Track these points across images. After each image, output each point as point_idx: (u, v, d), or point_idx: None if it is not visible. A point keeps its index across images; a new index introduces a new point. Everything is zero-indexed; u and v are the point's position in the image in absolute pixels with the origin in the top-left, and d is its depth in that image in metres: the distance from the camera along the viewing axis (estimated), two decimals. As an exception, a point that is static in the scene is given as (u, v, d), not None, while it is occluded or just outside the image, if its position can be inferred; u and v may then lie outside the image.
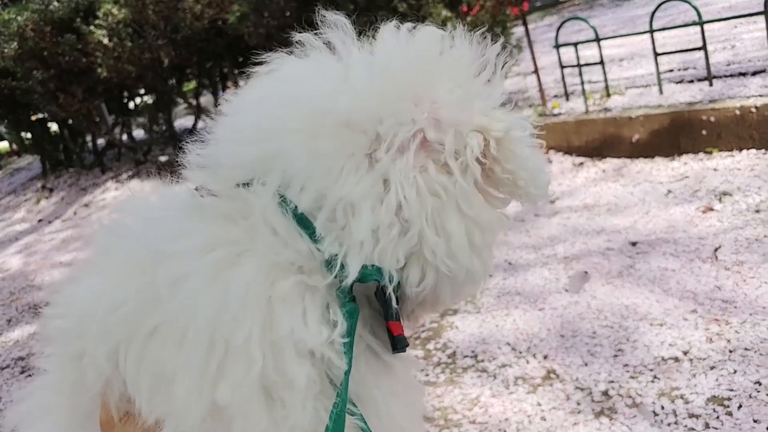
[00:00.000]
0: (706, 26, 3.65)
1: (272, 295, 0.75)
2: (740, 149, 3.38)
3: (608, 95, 4.18)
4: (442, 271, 0.81)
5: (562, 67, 4.34)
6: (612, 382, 2.00)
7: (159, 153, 7.12)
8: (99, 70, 6.04)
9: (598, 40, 4.02)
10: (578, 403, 1.95)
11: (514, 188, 0.85)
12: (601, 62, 4.08)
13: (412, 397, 0.91)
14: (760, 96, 3.40)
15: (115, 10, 5.90)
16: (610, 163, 3.79)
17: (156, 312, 0.74)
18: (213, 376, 0.72)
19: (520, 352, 2.26)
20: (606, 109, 4.01)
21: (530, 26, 5.10)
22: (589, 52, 4.52)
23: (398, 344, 0.82)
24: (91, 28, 6.05)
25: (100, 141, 8.23)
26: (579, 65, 4.12)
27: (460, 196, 0.81)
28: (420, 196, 0.79)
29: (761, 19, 3.45)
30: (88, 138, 8.34)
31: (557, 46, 4.26)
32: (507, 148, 0.82)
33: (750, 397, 1.79)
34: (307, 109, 0.81)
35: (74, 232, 5.58)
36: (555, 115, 4.22)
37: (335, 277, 0.78)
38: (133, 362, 0.75)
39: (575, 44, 4.16)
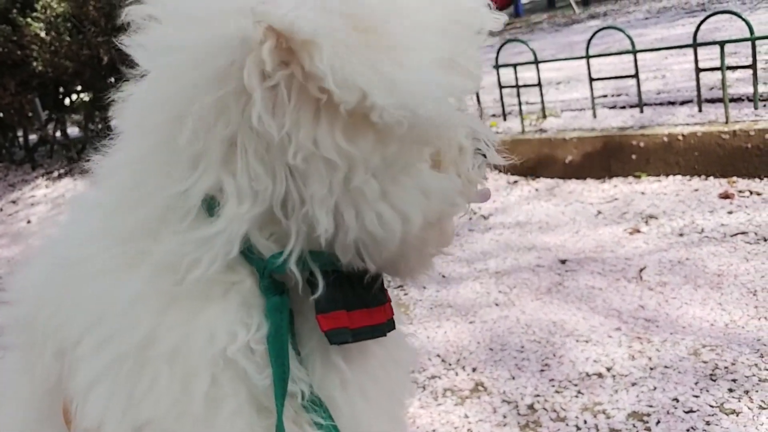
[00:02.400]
0: (639, 55, 3.80)
1: (173, 297, 0.69)
2: (667, 175, 3.52)
3: (544, 117, 4.29)
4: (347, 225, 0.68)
5: (501, 87, 4.44)
6: (538, 395, 2.05)
7: (94, 152, 6.97)
8: (34, 63, 5.89)
9: (536, 62, 4.12)
10: (504, 416, 1.99)
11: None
12: (539, 84, 4.19)
13: (395, 381, 0.84)
14: (687, 125, 3.55)
15: (54, 4, 5.76)
16: (544, 183, 3.89)
17: (76, 319, 0.71)
18: (129, 390, 0.68)
19: (450, 364, 2.30)
20: (542, 130, 4.12)
21: (472, 45, 5.20)
22: (527, 74, 4.63)
23: (331, 339, 0.72)
24: (28, 20, 5.89)
25: (32, 137, 7.99)
26: (517, 86, 4.21)
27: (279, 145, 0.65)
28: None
29: (690, 51, 3.60)
30: (20, 133, 8.09)
31: (497, 67, 4.35)
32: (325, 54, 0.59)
33: (668, 413, 1.87)
34: None
35: (0, 229, 5.40)
36: (493, 134, 4.30)
37: (256, 267, 0.70)
38: (69, 366, 0.71)
39: (514, 66, 4.26)
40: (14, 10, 6.12)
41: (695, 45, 3.54)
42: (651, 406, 1.91)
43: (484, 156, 0.80)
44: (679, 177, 3.48)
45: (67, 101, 7.56)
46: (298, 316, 0.74)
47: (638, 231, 3.02)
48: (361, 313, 0.74)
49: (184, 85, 0.67)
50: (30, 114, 6.86)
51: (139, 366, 0.67)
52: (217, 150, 0.67)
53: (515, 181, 3.99)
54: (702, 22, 3.48)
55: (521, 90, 4.24)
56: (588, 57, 3.95)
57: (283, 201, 0.68)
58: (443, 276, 2.97)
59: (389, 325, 0.77)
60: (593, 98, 4.05)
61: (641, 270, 2.66)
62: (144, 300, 0.68)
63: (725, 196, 3.16)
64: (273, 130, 0.63)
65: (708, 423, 1.80)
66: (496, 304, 2.63)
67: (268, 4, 0.59)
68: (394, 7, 0.63)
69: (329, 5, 0.60)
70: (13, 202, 6.15)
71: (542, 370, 2.16)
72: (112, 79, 6.65)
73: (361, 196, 0.66)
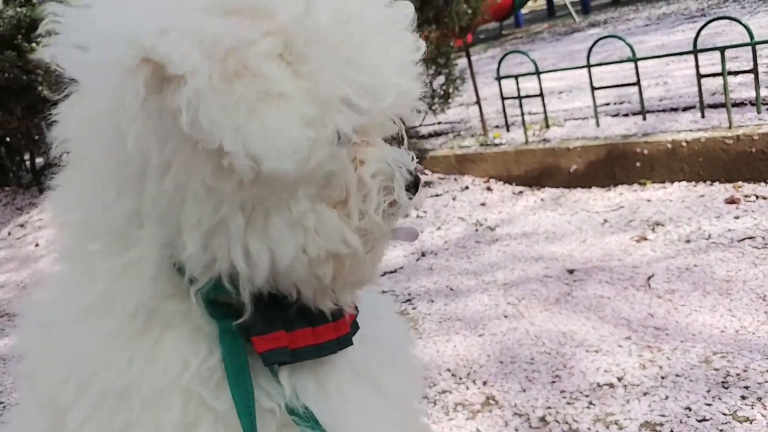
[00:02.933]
0: (640, 63, 3.80)
1: (133, 332, 0.70)
2: (672, 181, 3.52)
3: (547, 126, 4.30)
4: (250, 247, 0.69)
5: (503, 98, 4.45)
6: (549, 407, 2.05)
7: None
8: (40, 88, 5.92)
9: (538, 73, 4.14)
10: (516, 429, 1.99)
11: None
12: (541, 94, 4.20)
13: (398, 386, 0.84)
14: (690, 131, 3.55)
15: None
16: (549, 193, 3.89)
17: (55, 372, 0.73)
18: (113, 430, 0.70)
19: (460, 378, 2.29)
20: (545, 140, 4.12)
21: (473, 58, 5.23)
22: (529, 85, 4.64)
23: (265, 360, 0.73)
24: (33, 45, 5.94)
25: (39, 160, 8.03)
26: (519, 97, 4.23)
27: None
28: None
29: (691, 57, 3.61)
30: (27, 156, 8.13)
31: (499, 78, 4.37)
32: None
33: (681, 422, 1.86)
34: None
35: (8, 253, 5.42)
36: (496, 145, 4.31)
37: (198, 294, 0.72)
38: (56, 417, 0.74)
39: (516, 77, 4.27)
40: (19, 36, 6.16)
41: (696, 51, 3.55)
42: (663, 416, 1.90)
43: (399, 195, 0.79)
44: (684, 183, 3.48)
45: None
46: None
47: (645, 239, 3.02)
48: (304, 333, 0.75)
49: (106, 106, 0.68)
50: (37, 137, 6.89)
51: (118, 403, 0.69)
52: (137, 169, 0.68)
53: (520, 192, 4.00)
54: (702, 28, 3.49)
55: (523, 101, 4.25)
56: (589, 66, 3.96)
57: (180, 226, 0.69)
58: (451, 289, 2.97)
59: (341, 343, 0.78)
60: (596, 107, 4.06)
61: (649, 278, 2.66)
62: (111, 341, 0.70)
63: (731, 201, 3.16)
64: (153, 153, 0.64)
65: (721, 431, 1.79)
66: (505, 316, 2.62)
67: (152, 35, 0.60)
68: (269, 57, 0.64)
69: (208, 47, 0.60)
70: (21, 225, 6.17)
71: (553, 382, 2.15)
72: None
73: (227, 229, 0.68)
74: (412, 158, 0.82)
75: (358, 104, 0.68)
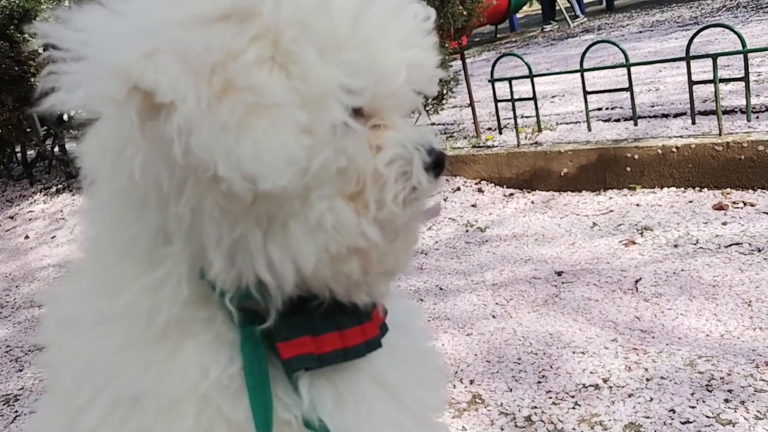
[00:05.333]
0: (632, 69, 3.82)
1: (153, 340, 0.70)
2: (661, 187, 3.55)
3: (539, 130, 4.32)
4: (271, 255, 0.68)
5: (497, 101, 4.46)
6: (535, 407, 2.06)
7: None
8: (32, 79, 5.91)
9: (531, 76, 4.15)
10: (502, 428, 2.00)
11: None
12: (534, 98, 4.22)
13: (414, 393, 0.81)
14: (681, 137, 3.58)
15: (52, 20, 5.79)
16: (539, 195, 3.91)
17: (72, 373, 0.73)
18: None
19: (447, 377, 2.31)
20: (537, 143, 4.14)
21: (468, 60, 5.24)
22: (522, 88, 4.66)
23: (291, 367, 0.71)
24: (26, 36, 5.92)
25: (30, 152, 8.00)
26: (512, 100, 4.24)
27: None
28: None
29: (683, 64, 3.63)
30: (17, 149, 8.10)
31: (492, 81, 4.38)
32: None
33: (664, 424, 1.88)
34: None
35: (-2, 245, 5.40)
36: (488, 147, 4.33)
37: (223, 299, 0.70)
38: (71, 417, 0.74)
39: (509, 79, 4.29)
40: (11, 27, 6.14)
41: (688, 58, 3.57)
42: (648, 417, 1.92)
43: (427, 171, 0.76)
44: (673, 189, 3.50)
45: (65, 117, 7.58)
46: None
47: (633, 243, 3.04)
48: (331, 337, 0.73)
49: (117, 134, 0.68)
50: (28, 129, 6.87)
51: (130, 410, 0.68)
52: (154, 193, 0.68)
53: (511, 194, 4.01)
54: (695, 35, 3.52)
55: (516, 103, 4.27)
56: (582, 70, 3.98)
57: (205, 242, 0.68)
58: (440, 288, 2.98)
59: (370, 346, 0.75)
60: (588, 111, 4.08)
61: (637, 281, 2.68)
62: (128, 348, 0.69)
63: (719, 207, 3.18)
64: (164, 180, 0.64)
65: (704, 433, 1.82)
66: (493, 316, 2.64)
67: (138, 63, 0.59)
68: (259, 65, 0.62)
69: (194, 67, 0.59)
70: (11, 217, 6.15)
71: (539, 382, 2.17)
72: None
73: (247, 244, 0.67)
74: (435, 134, 0.78)
75: (352, 87, 0.66)
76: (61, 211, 5.86)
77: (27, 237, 5.41)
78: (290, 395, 0.72)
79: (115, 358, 0.69)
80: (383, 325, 0.81)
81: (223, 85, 0.59)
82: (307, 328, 0.72)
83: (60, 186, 6.63)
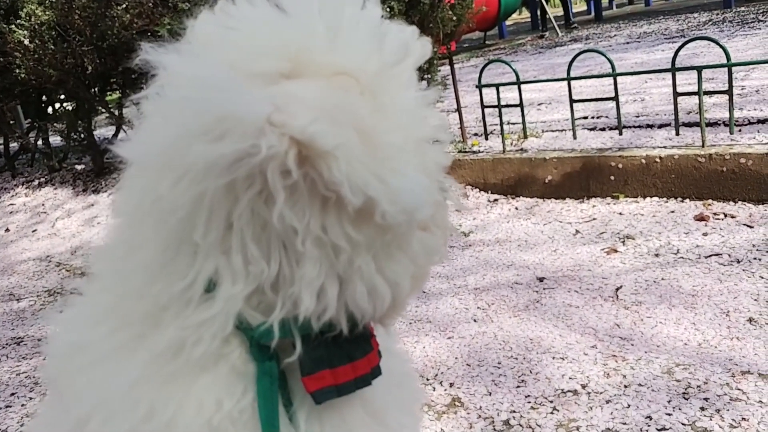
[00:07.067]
0: (619, 79, 3.86)
1: (171, 374, 0.71)
2: (644, 196, 3.58)
3: (525, 137, 4.34)
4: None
5: (484, 107, 4.49)
6: (514, 411, 2.07)
7: (76, 161, 6.93)
8: (17, 71, 5.86)
9: (519, 83, 4.18)
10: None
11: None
12: (521, 105, 4.24)
13: (397, 417, 0.84)
14: (664, 147, 3.61)
15: (39, 11, 5.75)
16: (523, 202, 3.93)
17: (85, 400, 0.74)
18: None
19: (428, 380, 2.31)
20: (522, 150, 4.17)
21: (456, 66, 5.26)
22: (510, 95, 4.69)
23: (317, 399, 0.74)
24: (12, 27, 5.87)
25: (13, 144, 7.94)
26: (499, 106, 4.26)
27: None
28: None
29: (669, 76, 3.67)
30: (0, 140, 8.03)
31: (480, 87, 4.40)
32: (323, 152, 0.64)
33: (641, 430, 1.89)
34: None
35: (-23, 237, 5.35)
36: (474, 153, 4.35)
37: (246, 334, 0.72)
38: None
39: (497, 86, 4.31)
40: (-2, 17, 6.09)
41: (674, 70, 3.61)
42: (625, 424, 1.93)
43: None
44: (656, 198, 3.54)
45: (50, 109, 7.52)
46: (290, 373, 0.76)
47: (615, 251, 3.06)
48: (344, 369, 0.76)
49: (195, 175, 0.68)
50: (11, 122, 6.82)
51: None
52: (215, 233, 0.69)
53: (495, 200, 4.03)
54: (681, 47, 3.55)
55: (503, 110, 4.29)
56: (569, 79, 4.01)
57: (275, 280, 0.70)
58: (423, 291, 2.99)
59: (374, 373, 0.78)
60: (573, 119, 4.11)
61: (617, 289, 2.70)
62: (143, 382, 0.71)
63: (700, 218, 3.22)
64: (294, 222, 0.67)
65: (679, 440, 1.83)
66: (475, 320, 2.65)
67: (284, 114, 0.62)
68: (385, 124, 0.68)
69: (341, 119, 0.64)
70: (-8, 209, 6.09)
71: (518, 387, 2.18)
72: (96, 89, 6.65)
73: (358, 273, 0.70)
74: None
75: (441, 139, 0.77)
76: (43, 204, 5.81)
77: (7, 230, 5.36)
78: (287, 427, 0.75)
79: (130, 391, 0.71)
80: (379, 352, 0.84)
81: (368, 140, 0.65)
82: (327, 362, 0.75)
83: (42, 179, 6.58)
